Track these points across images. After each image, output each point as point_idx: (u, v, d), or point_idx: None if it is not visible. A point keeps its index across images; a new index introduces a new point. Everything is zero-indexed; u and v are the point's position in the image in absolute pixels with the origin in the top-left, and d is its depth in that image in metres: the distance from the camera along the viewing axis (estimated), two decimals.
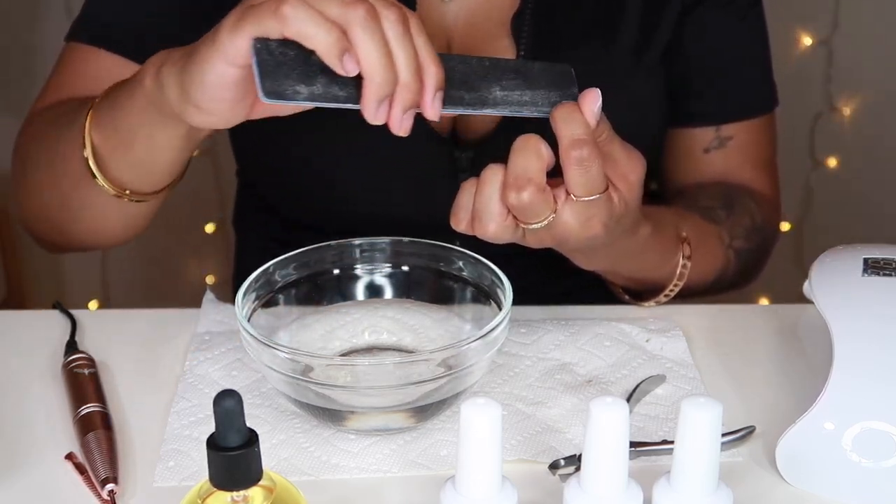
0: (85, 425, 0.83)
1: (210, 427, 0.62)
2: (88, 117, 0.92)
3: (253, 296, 0.87)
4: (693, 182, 1.15)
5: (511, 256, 0.91)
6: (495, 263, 0.89)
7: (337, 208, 0.95)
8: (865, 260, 0.88)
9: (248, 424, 0.63)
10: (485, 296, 0.90)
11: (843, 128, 2.11)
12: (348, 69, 0.75)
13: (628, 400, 0.87)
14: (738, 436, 0.84)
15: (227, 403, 0.61)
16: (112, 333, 0.97)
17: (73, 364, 0.90)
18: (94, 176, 0.92)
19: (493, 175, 0.81)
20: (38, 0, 2.00)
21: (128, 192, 0.94)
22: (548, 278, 1.13)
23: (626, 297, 1.03)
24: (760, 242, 1.12)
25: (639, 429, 0.85)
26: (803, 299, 0.96)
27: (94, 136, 0.92)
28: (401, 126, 0.78)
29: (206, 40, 0.78)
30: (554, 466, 0.80)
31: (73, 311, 0.99)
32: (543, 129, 0.82)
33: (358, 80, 0.76)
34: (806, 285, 0.95)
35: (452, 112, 0.82)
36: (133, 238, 1.02)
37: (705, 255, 1.03)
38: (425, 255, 0.93)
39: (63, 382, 0.90)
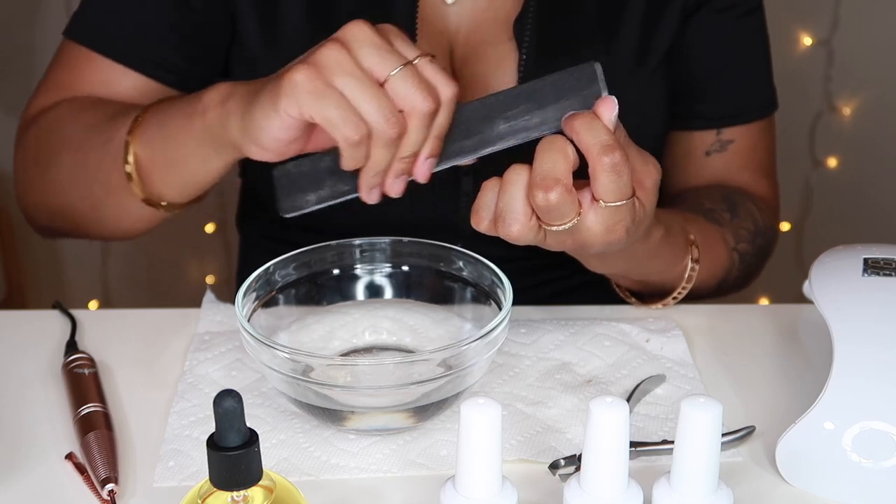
0: (85, 425, 0.83)
1: (210, 427, 0.63)
2: (132, 133, 0.95)
3: (253, 296, 0.87)
4: (693, 185, 1.15)
5: (505, 260, 0.91)
6: None
7: (342, 208, 0.95)
8: (865, 260, 0.88)
9: (248, 424, 0.63)
10: (485, 296, 0.90)
11: (843, 128, 2.11)
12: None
13: (628, 400, 0.87)
14: (738, 436, 0.84)
15: (227, 403, 0.61)
16: (112, 333, 0.97)
17: (74, 364, 0.90)
18: (134, 189, 0.96)
19: (517, 175, 0.80)
20: (38, 0, 2.00)
21: (164, 203, 0.97)
22: (543, 280, 1.13)
23: (633, 299, 1.03)
24: (763, 245, 1.12)
25: (639, 429, 0.85)
26: (803, 299, 0.96)
27: (140, 152, 0.95)
28: (392, 190, 0.86)
29: (267, 91, 0.83)
30: (554, 466, 0.80)
31: (73, 311, 0.99)
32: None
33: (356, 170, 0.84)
34: (806, 285, 0.95)
35: (451, 164, 0.84)
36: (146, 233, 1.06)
37: (711, 258, 1.03)
38: (425, 255, 0.93)
39: (63, 382, 0.90)
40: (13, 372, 0.92)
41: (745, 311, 1.03)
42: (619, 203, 0.80)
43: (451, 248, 0.91)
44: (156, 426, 0.86)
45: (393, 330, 0.93)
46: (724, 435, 0.78)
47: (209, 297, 1.01)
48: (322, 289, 0.93)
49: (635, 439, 0.82)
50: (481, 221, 0.83)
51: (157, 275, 2.17)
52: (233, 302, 0.87)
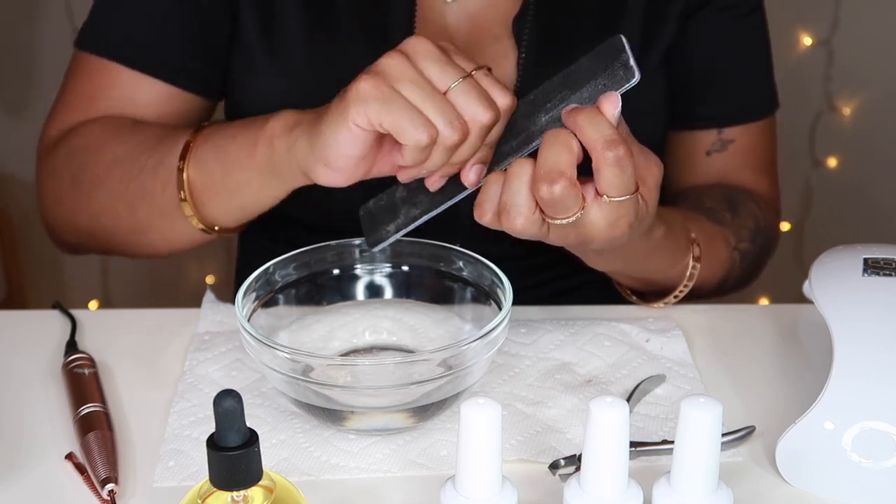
0: (85, 425, 0.83)
1: (210, 427, 0.62)
2: (186, 160, 0.95)
3: (253, 296, 0.87)
4: (694, 184, 1.14)
5: (503, 259, 0.91)
6: None
7: (337, 207, 0.95)
8: (865, 260, 0.88)
9: (248, 424, 0.63)
10: (485, 296, 0.90)
11: (843, 128, 2.11)
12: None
13: (628, 400, 0.87)
14: (738, 436, 0.84)
15: (227, 403, 0.61)
16: (112, 333, 0.97)
17: (74, 364, 0.90)
18: (186, 212, 0.97)
19: (522, 168, 0.80)
20: (38, 0, 2.00)
21: (217, 227, 0.98)
22: (543, 280, 1.13)
23: (634, 297, 1.03)
24: (764, 245, 1.12)
25: (639, 429, 0.85)
26: (803, 299, 0.96)
27: (194, 179, 0.95)
28: (432, 186, 0.87)
29: (334, 107, 0.84)
30: (554, 466, 0.80)
31: (73, 311, 0.99)
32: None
33: (424, 191, 0.87)
34: (806, 285, 0.95)
35: (500, 168, 0.84)
36: None
37: (713, 257, 1.03)
38: (425, 255, 0.93)
39: (63, 382, 0.90)
40: (13, 372, 0.92)
41: (745, 311, 1.03)
42: (622, 198, 0.80)
43: (451, 248, 0.92)
44: (156, 426, 0.86)
45: (393, 330, 0.93)
46: (724, 435, 0.78)
47: (209, 297, 1.01)
48: (322, 289, 0.93)
49: (635, 439, 0.82)
50: (485, 214, 0.83)
51: (157, 275, 2.17)
52: (233, 302, 0.87)
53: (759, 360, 0.95)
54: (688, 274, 0.99)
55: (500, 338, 0.83)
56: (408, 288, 0.94)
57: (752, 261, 1.10)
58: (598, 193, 0.80)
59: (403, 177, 0.87)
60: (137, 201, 0.99)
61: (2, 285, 2.09)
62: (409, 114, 0.81)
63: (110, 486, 0.79)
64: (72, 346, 0.94)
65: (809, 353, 0.95)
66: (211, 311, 0.99)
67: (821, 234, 2.12)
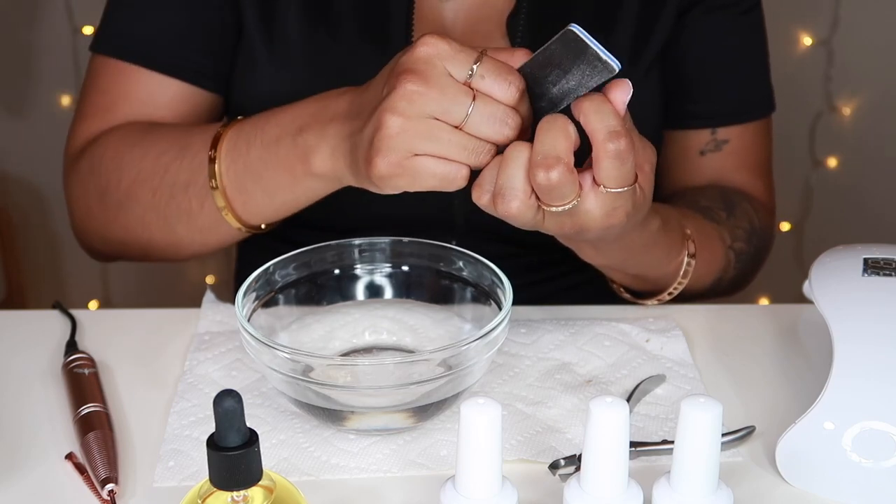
0: (85, 425, 0.83)
1: (210, 427, 0.62)
2: (218, 179, 0.94)
3: (253, 296, 0.87)
4: (688, 185, 1.14)
5: (501, 257, 0.91)
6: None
7: (337, 205, 0.95)
8: (865, 260, 0.88)
9: (248, 424, 0.63)
10: (485, 296, 0.90)
11: (843, 128, 2.11)
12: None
13: (628, 400, 0.87)
14: (738, 436, 0.84)
15: (227, 403, 0.61)
16: (112, 333, 0.97)
17: (74, 364, 0.90)
18: (228, 218, 0.96)
19: (518, 152, 0.79)
20: (38, 0, 2.00)
21: (263, 226, 0.98)
22: (540, 279, 1.13)
23: (627, 295, 1.03)
24: (759, 246, 1.12)
25: (639, 429, 0.85)
26: (803, 299, 0.96)
27: (234, 198, 0.95)
28: None
29: (364, 178, 0.84)
30: (554, 466, 0.80)
31: (73, 311, 0.99)
32: None
33: None
34: (806, 285, 0.95)
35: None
36: None
37: (708, 255, 1.03)
38: (425, 254, 0.93)
39: (63, 382, 0.90)
40: (13, 372, 0.93)
41: (745, 311, 1.03)
42: (620, 189, 0.79)
43: (450, 248, 0.91)
44: (156, 426, 0.86)
45: (393, 330, 0.93)
46: (724, 435, 0.78)
47: (209, 296, 1.01)
48: (322, 289, 0.93)
49: (635, 439, 0.82)
50: (482, 196, 0.81)
51: (157, 275, 2.17)
52: (233, 302, 0.87)
53: (759, 360, 0.95)
54: (682, 271, 0.99)
55: (500, 338, 0.83)
56: (408, 288, 0.94)
57: (747, 262, 1.10)
58: (595, 182, 0.79)
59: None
60: (174, 220, 0.99)
61: (2, 285, 2.09)
62: (438, 174, 0.81)
63: (110, 486, 0.79)
64: (72, 346, 0.94)
65: (809, 353, 0.95)
66: (211, 311, 0.99)
67: (821, 234, 2.12)
